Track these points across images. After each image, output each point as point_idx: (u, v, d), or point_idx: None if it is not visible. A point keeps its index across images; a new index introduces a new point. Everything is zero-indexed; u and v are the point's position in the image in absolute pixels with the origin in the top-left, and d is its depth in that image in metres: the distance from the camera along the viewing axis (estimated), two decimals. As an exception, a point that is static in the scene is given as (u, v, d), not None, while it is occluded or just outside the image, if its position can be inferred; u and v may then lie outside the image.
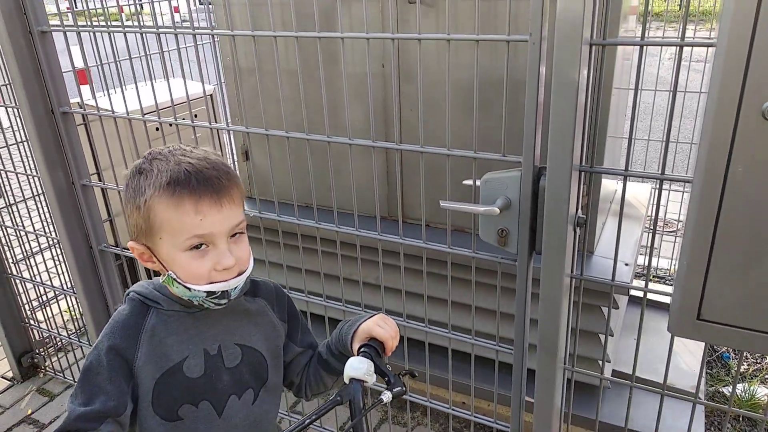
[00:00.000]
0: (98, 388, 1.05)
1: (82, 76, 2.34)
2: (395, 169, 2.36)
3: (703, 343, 2.63)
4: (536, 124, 1.33)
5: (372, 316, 1.22)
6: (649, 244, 3.61)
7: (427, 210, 1.64)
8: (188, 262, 1.04)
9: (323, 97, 1.60)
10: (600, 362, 2.14)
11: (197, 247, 1.04)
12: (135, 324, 1.11)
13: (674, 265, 3.55)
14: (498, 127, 2.07)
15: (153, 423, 1.10)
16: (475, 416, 1.83)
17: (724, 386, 2.63)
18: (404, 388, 1.10)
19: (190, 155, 1.07)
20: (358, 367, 1.09)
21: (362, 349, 1.15)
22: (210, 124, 1.84)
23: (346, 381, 1.09)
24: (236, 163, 2.68)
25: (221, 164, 1.08)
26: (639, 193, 2.78)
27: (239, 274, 1.08)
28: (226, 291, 1.08)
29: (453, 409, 1.86)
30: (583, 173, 1.36)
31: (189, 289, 1.06)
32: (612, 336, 2.18)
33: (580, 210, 1.39)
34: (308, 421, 1.03)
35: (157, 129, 3.03)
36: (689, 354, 2.51)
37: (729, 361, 2.80)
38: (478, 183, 1.47)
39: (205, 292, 1.06)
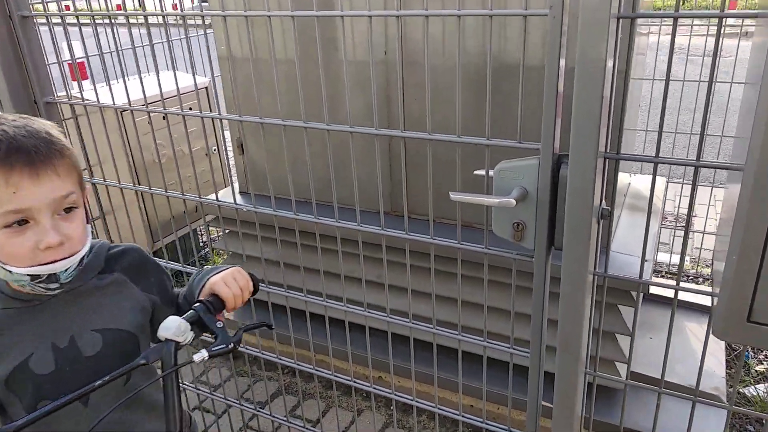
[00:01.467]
0: None
1: (81, 69, 2.23)
2: (400, 162, 2.24)
3: (723, 343, 2.53)
4: (556, 107, 1.21)
5: (222, 271, 1.17)
6: (672, 242, 3.52)
7: (433, 205, 1.52)
8: (6, 241, 0.94)
9: (322, 84, 1.48)
10: (617, 364, 2.03)
11: (18, 223, 0.94)
12: None
13: (693, 261, 3.45)
14: (506, 114, 1.96)
15: (19, 414, 1.06)
16: (486, 423, 1.72)
17: (744, 387, 2.52)
18: (228, 347, 1.06)
19: (8, 123, 0.96)
20: (168, 327, 1.04)
21: (195, 305, 1.11)
22: (201, 112, 1.72)
23: (162, 340, 1.04)
24: (234, 157, 2.57)
25: (43, 132, 0.98)
26: (655, 186, 2.67)
27: (71, 255, 0.98)
28: (54, 274, 0.98)
29: (463, 416, 1.75)
30: (607, 161, 1.25)
31: (10, 272, 0.96)
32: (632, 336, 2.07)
33: (603, 201, 1.28)
34: (100, 382, 0.98)
35: (149, 123, 2.92)
36: (709, 354, 2.39)
37: (748, 360, 2.69)
38: (491, 173, 1.35)
39: (28, 275, 0.96)
